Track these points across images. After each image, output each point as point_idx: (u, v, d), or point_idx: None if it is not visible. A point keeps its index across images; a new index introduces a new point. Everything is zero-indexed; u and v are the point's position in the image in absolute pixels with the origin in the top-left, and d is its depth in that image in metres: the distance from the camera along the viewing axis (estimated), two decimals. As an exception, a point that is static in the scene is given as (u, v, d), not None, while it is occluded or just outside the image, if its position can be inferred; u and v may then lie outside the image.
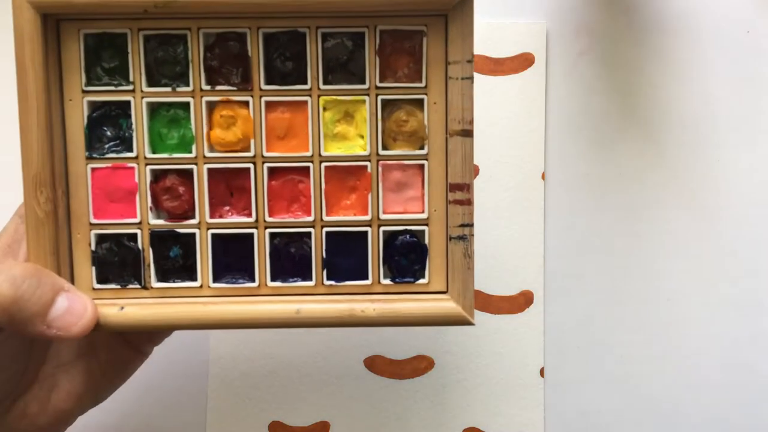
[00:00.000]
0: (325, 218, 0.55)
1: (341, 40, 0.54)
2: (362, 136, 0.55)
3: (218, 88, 0.54)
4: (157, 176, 0.55)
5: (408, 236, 0.55)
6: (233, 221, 0.55)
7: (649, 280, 0.72)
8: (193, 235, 0.55)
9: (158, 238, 0.55)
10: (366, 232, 0.55)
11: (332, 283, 0.55)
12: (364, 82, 0.54)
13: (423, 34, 0.54)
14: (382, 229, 0.55)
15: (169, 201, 0.55)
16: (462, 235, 0.54)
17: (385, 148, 0.55)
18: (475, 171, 0.72)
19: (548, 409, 0.72)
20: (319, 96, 0.54)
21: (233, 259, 0.56)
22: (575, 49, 0.73)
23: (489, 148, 0.72)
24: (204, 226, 0.55)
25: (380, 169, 0.55)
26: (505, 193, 0.72)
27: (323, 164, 0.55)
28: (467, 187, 0.54)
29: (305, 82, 0.54)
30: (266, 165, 0.55)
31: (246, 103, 0.54)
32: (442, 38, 0.54)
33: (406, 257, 0.55)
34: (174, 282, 0.56)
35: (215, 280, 0.55)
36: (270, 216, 0.55)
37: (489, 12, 0.72)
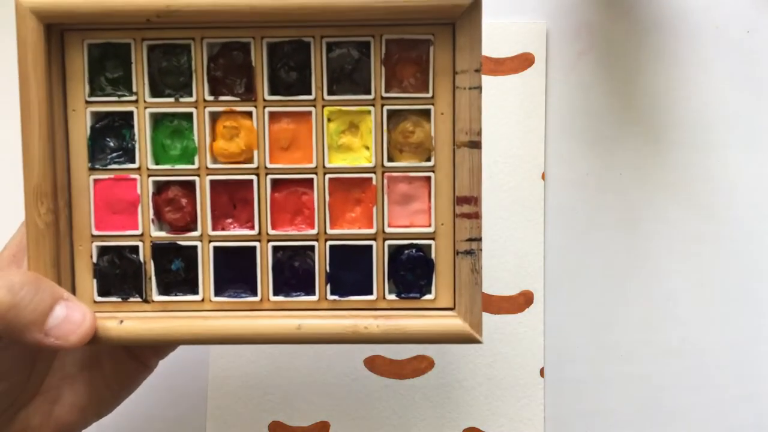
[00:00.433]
0: (329, 231, 0.54)
1: (346, 49, 0.54)
2: (367, 148, 0.54)
3: (222, 98, 0.54)
4: (160, 188, 0.55)
5: (414, 250, 0.55)
6: (236, 234, 0.55)
7: (649, 280, 0.72)
8: (195, 247, 0.55)
9: (160, 251, 0.55)
10: (371, 246, 0.54)
11: (336, 297, 0.55)
12: (369, 93, 0.54)
13: (430, 43, 0.53)
14: (387, 243, 0.54)
15: (171, 213, 0.54)
16: (469, 250, 0.53)
17: (390, 159, 0.54)
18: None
19: (548, 409, 0.72)
20: (323, 106, 0.54)
21: (235, 272, 0.55)
22: (575, 49, 0.72)
23: (489, 148, 0.71)
24: (206, 238, 0.54)
25: (386, 181, 0.54)
26: (505, 193, 0.72)
27: (327, 176, 0.54)
28: (475, 200, 0.53)
29: (309, 93, 0.54)
30: (269, 177, 0.54)
31: (249, 114, 0.54)
32: (449, 47, 0.53)
33: (412, 272, 0.55)
34: (175, 295, 0.55)
35: (217, 294, 0.55)
36: (273, 229, 0.54)
37: (489, 12, 0.71)
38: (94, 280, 0.55)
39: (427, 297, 0.55)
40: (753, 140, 0.72)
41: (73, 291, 0.54)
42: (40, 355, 0.56)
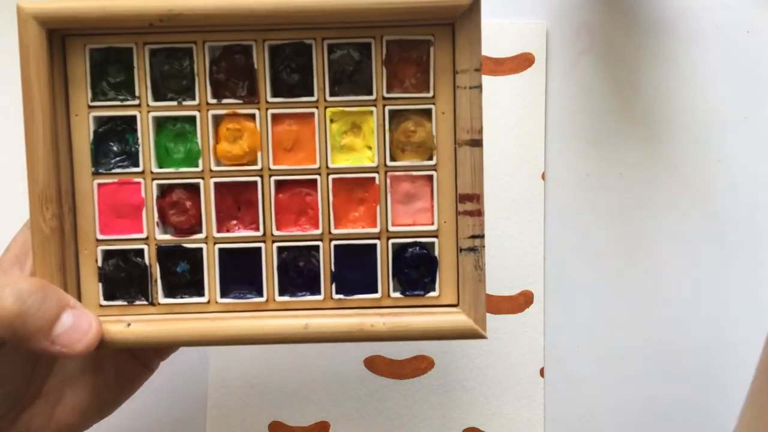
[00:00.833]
0: (334, 231, 0.55)
1: (347, 51, 0.54)
2: (370, 148, 0.54)
3: (224, 101, 0.54)
4: (164, 191, 0.55)
5: (418, 248, 0.55)
6: (240, 235, 0.55)
7: (649, 280, 0.72)
8: (200, 249, 0.55)
9: (165, 254, 0.55)
10: (375, 245, 0.55)
11: (341, 296, 0.55)
12: (371, 93, 0.54)
13: (430, 44, 0.54)
14: (391, 241, 0.55)
15: (175, 216, 0.55)
16: (473, 247, 0.54)
17: (393, 159, 0.55)
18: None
19: (548, 409, 0.72)
20: (325, 108, 0.54)
21: (241, 273, 0.55)
22: (575, 48, 0.73)
23: (489, 148, 0.71)
24: (211, 240, 0.55)
25: (388, 180, 0.54)
26: (505, 193, 0.72)
27: (331, 176, 0.54)
28: (477, 198, 0.53)
29: (312, 94, 0.54)
30: (273, 178, 0.54)
31: (252, 116, 0.54)
32: (449, 47, 0.53)
33: (415, 270, 0.55)
34: (181, 298, 0.55)
35: (223, 296, 0.55)
36: (277, 229, 0.55)
37: (489, 12, 0.72)
38: (100, 284, 0.55)
39: (432, 294, 0.55)
40: (753, 140, 0.72)
41: (79, 295, 0.54)
42: (42, 358, 0.56)
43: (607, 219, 0.72)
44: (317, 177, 0.54)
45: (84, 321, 0.52)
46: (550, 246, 0.72)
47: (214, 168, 0.54)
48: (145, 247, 0.55)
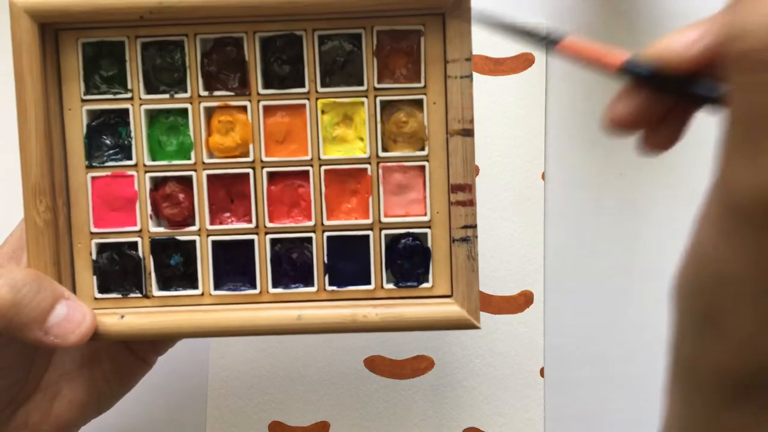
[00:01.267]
0: (326, 222, 0.55)
1: (338, 41, 0.54)
2: (362, 139, 0.54)
3: (216, 93, 0.54)
4: (157, 184, 0.55)
5: (410, 239, 0.55)
6: (233, 228, 0.55)
7: (649, 280, 0.72)
8: (193, 242, 0.55)
9: (159, 246, 0.55)
10: (368, 236, 0.55)
11: (334, 288, 0.55)
12: (362, 84, 0.54)
13: (420, 34, 0.54)
14: (383, 232, 0.55)
15: (169, 208, 0.55)
16: (465, 237, 0.53)
17: (385, 150, 0.55)
18: (476, 171, 0.71)
19: (548, 409, 0.72)
20: (317, 99, 0.54)
21: (234, 265, 0.55)
22: (574, 48, 0.73)
23: (489, 148, 0.71)
24: (204, 232, 0.55)
25: (381, 171, 0.54)
26: (505, 193, 0.72)
27: (323, 168, 0.54)
28: (469, 188, 0.53)
29: (303, 86, 0.54)
30: (265, 170, 0.54)
31: (244, 108, 0.54)
32: (440, 37, 0.53)
33: (408, 261, 0.55)
34: (175, 290, 0.55)
35: (216, 288, 0.55)
36: (270, 221, 0.55)
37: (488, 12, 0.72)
38: (94, 277, 0.55)
39: (425, 285, 0.55)
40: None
41: (74, 288, 0.55)
42: (39, 351, 0.56)
43: (607, 219, 0.72)
44: (309, 168, 0.54)
45: (78, 312, 0.52)
46: (550, 246, 0.72)
47: (207, 160, 0.54)
48: (138, 239, 0.55)
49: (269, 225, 0.55)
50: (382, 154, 0.54)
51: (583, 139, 0.72)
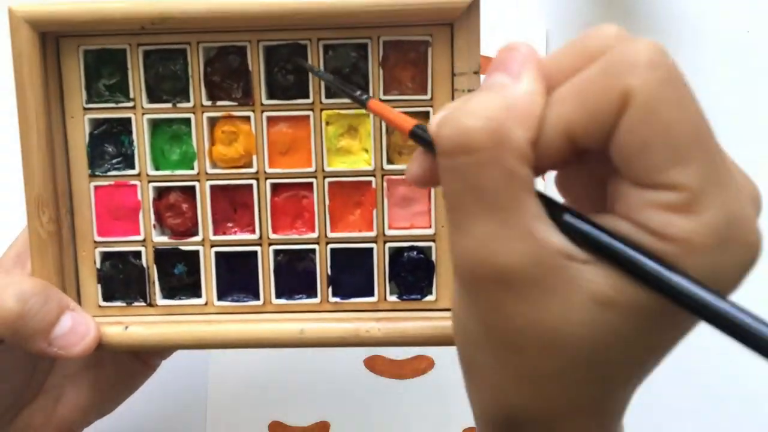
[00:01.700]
0: (330, 234, 0.54)
1: (343, 51, 0.53)
2: (367, 151, 0.54)
3: (219, 103, 0.53)
4: (160, 193, 0.55)
5: (415, 252, 0.54)
6: (237, 238, 0.55)
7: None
8: (197, 252, 0.55)
9: (162, 256, 0.55)
10: (371, 249, 0.54)
11: (337, 300, 0.55)
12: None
13: (428, 45, 0.52)
14: (388, 245, 0.54)
15: (172, 218, 0.54)
16: (469, 253, 0.53)
17: (390, 162, 0.54)
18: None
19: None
20: (321, 110, 0.53)
21: (238, 276, 0.55)
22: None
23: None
24: (207, 243, 0.54)
25: (385, 183, 0.54)
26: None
27: (327, 179, 0.54)
28: (474, 202, 0.53)
29: (307, 96, 0.53)
30: (269, 181, 0.54)
31: (247, 119, 0.53)
32: (447, 49, 0.52)
33: (412, 274, 0.54)
34: (179, 299, 0.55)
35: (220, 298, 0.55)
36: (274, 232, 0.54)
37: (488, 12, 0.71)
38: (99, 286, 0.55)
39: (429, 298, 0.55)
40: (753, 140, 0.71)
41: (78, 297, 0.55)
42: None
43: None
44: (313, 180, 0.54)
45: (82, 325, 0.52)
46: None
47: (210, 171, 0.54)
48: (142, 249, 0.55)
49: (272, 236, 0.54)
50: (387, 166, 0.53)
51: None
